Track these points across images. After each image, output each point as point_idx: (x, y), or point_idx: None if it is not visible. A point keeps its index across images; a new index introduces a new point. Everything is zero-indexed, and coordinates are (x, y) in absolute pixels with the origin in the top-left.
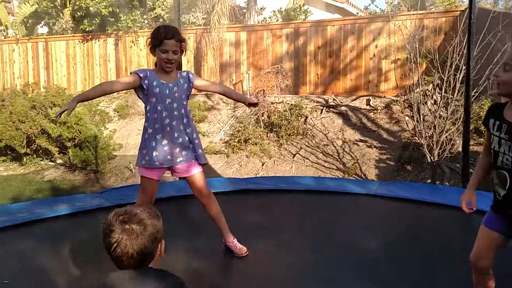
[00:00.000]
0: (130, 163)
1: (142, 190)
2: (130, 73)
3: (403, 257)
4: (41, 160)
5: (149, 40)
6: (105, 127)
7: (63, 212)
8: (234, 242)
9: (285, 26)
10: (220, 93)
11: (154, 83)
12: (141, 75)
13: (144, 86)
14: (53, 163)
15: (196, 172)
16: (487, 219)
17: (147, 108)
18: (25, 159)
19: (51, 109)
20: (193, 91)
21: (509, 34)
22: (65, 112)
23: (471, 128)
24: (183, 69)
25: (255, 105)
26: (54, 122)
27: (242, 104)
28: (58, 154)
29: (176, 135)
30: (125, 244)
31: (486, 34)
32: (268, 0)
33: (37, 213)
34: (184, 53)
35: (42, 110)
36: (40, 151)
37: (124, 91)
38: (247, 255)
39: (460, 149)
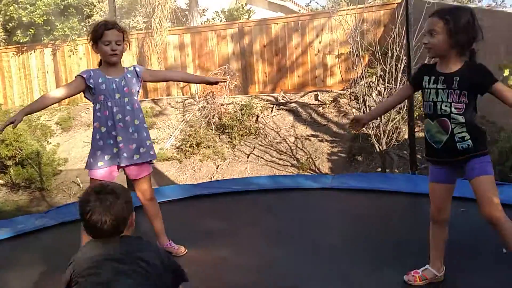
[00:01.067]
0: (77, 177)
1: None
2: (75, 77)
3: (360, 246)
4: None
5: (89, 36)
6: (47, 141)
7: (3, 236)
8: (171, 244)
9: (229, 26)
10: (178, 80)
11: (100, 80)
12: (85, 75)
13: (91, 85)
14: None
15: (149, 173)
16: (431, 175)
17: (97, 107)
18: None
19: None
20: (139, 96)
21: None
22: (11, 124)
23: (415, 115)
24: None
25: (216, 83)
26: None
27: (192, 108)
28: None
29: (130, 130)
30: (99, 211)
31: (423, 24)
32: (210, 0)
33: None
34: (129, 46)
35: None
36: None
37: (66, 102)
38: (186, 253)
39: (406, 136)
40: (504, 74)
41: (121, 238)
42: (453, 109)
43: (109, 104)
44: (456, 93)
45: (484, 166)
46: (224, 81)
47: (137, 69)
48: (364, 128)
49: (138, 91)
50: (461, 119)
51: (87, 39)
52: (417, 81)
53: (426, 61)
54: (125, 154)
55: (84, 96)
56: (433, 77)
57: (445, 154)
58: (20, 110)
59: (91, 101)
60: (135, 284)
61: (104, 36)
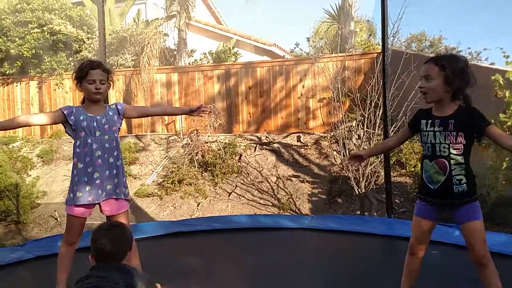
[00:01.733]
0: (55, 211)
1: (68, 231)
2: (58, 109)
3: (335, 285)
4: None
5: (74, 75)
6: (27, 174)
7: None
8: None
9: (216, 68)
10: (160, 114)
11: (81, 117)
12: (65, 112)
13: (71, 122)
14: None
15: (125, 210)
16: (418, 210)
17: (77, 143)
18: None
19: None
20: (122, 132)
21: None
22: None
23: (392, 160)
24: None
25: (198, 111)
26: None
27: (176, 144)
28: None
29: (107, 167)
30: (107, 241)
31: (400, 74)
32: (198, 42)
33: None
34: (112, 86)
35: None
36: None
37: (49, 135)
38: None
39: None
40: None
41: (113, 265)
42: (451, 150)
43: (89, 141)
44: (452, 135)
45: (477, 212)
46: (207, 110)
47: (119, 106)
48: (344, 171)
49: (119, 129)
50: (461, 159)
51: (72, 77)
52: (414, 125)
53: (403, 109)
54: (100, 191)
55: (65, 131)
56: (429, 121)
57: (440, 195)
58: None
59: (71, 136)
60: None
61: (89, 75)
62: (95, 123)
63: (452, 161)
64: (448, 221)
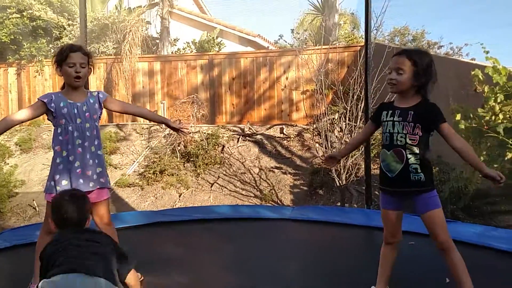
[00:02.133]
0: (33, 200)
1: (47, 220)
2: (37, 100)
3: (315, 273)
4: None
5: (54, 58)
6: (5, 162)
7: None
8: None
9: (200, 57)
10: (137, 115)
11: (61, 104)
12: (45, 100)
13: (52, 110)
14: None
15: (105, 198)
16: (383, 202)
17: (58, 131)
18: None
19: None
20: (103, 121)
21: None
22: None
23: (373, 153)
24: None
25: (177, 130)
26: None
27: (158, 135)
28: None
29: (88, 156)
30: (72, 209)
31: (383, 67)
32: (181, 31)
33: None
34: (92, 70)
35: None
36: None
37: (28, 123)
38: (142, 280)
39: None
40: (456, 118)
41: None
42: (408, 140)
43: (70, 128)
44: (410, 126)
45: (434, 200)
46: (187, 131)
47: (100, 95)
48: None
49: (99, 117)
50: (416, 149)
51: (52, 61)
52: (377, 117)
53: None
54: (81, 180)
55: (47, 119)
56: (390, 111)
57: (398, 183)
58: None
59: (53, 124)
60: (90, 255)
61: (69, 58)
62: (75, 110)
63: (407, 150)
64: (414, 212)
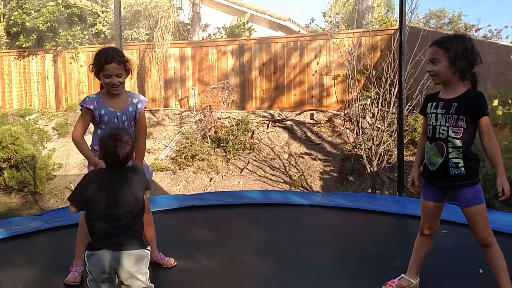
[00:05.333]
0: (70, 183)
1: None
2: (80, 109)
3: (344, 260)
4: None
5: (91, 66)
6: (43, 146)
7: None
8: (161, 255)
9: (231, 43)
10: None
11: (102, 112)
12: (91, 107)
13: (95, 115)
14: None
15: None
16: (424, 193)
17: (98, 132)
18: None
19: None
20: None
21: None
22: None
23: (406, 139)
24: (125, 85)
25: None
26: None
27: (189, 120)
28: None
29: None
30: (122, 149)
31: (417, 51)
32: (212, 17)
33: None
34: (131, 74)
35: None
36: None
37: (64, 108)
38: (176, 265)
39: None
40: (494, 104)
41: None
42: (450, 133)
43: None
44: (453, 118)
45: (477, 195)
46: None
47: (139, 106)
48: (356, 149)
49: (135, 122)
50: (459, 143)
51: (88, 67)
52: (424, 110)
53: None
54: None
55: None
56: (434, 103)
57: (438, 176)
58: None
59: (92, 123)
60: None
61: (104, 70)
62: (115, 119)
63: (449, 144)
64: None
